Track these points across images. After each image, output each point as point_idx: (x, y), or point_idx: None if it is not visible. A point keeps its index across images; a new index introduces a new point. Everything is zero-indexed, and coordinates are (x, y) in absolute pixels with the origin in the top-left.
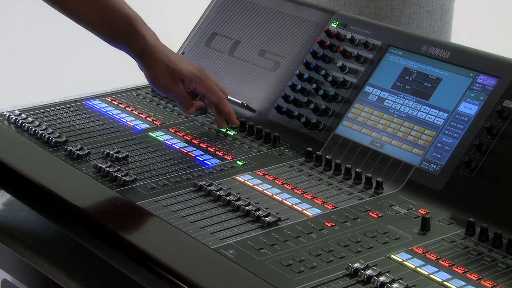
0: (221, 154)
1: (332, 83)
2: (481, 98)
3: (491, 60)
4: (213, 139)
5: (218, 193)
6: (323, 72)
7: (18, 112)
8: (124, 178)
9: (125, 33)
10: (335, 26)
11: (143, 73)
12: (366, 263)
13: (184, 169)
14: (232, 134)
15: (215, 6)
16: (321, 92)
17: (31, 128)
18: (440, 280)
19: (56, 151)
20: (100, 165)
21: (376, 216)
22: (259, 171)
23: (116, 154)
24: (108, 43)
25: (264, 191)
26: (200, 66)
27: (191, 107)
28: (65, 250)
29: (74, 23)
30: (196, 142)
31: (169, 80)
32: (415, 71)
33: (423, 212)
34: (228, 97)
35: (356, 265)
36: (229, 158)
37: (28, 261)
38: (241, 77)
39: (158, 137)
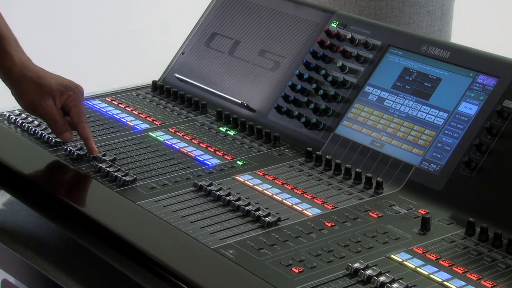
0: (221, 154)
1: (332, 83)
2: (481, 98)
3: (491, 60)
4: (213, 139)
5: (218, 193)
6: (323, 72)
7: (18, 112)
8: (124, 178)
9: None
10: (335, 26)
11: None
12: (366, 263)
13: (184, 169)
14: (232, 134)
15: (215, 6)
16: (321, 92)
17: (31, 128)
18: (440, 280)
19: (56, 151)
20: (100, 165)
21: (376, 216)
22: (259, 171)
23: (116, 154)
24: None
25: (264, 191)
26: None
27: (67, 131)
28: (65, 250)
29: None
30: (196, 142)
31: (36, 95)
32: (415, 71)
33: (423, 212)
34: (228, 97)
35: (356, 265)
36: (229, 158)
37: (28, 261)
38: (241, 77)
39: (158, 137)
